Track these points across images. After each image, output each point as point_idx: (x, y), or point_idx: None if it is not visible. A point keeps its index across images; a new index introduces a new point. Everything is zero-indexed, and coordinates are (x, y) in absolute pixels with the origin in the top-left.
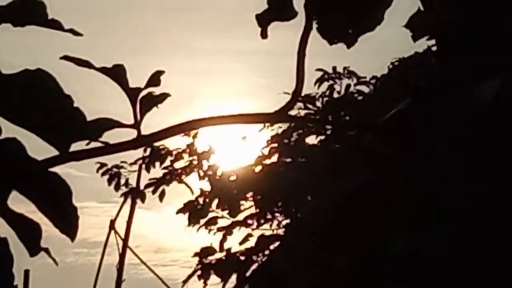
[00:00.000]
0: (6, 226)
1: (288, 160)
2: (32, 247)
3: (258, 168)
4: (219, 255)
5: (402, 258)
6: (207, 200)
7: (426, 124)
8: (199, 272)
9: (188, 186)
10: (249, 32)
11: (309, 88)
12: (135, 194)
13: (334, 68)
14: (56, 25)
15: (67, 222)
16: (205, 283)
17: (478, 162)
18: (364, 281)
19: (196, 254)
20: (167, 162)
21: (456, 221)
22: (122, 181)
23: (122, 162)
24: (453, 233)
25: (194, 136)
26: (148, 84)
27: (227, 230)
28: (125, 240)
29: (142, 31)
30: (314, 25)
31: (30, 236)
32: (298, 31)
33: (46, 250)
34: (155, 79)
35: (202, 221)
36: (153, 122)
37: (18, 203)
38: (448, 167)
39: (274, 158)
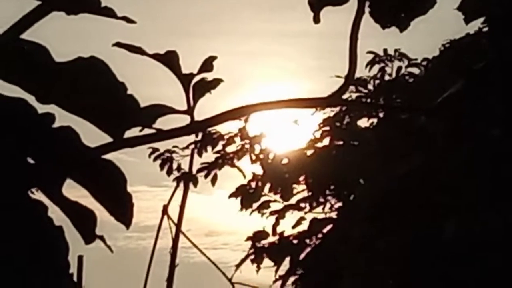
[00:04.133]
0: (61, 214)
1: (340, 143)
2: (88, 235)
3: (310, 152)
4: (272, 239)
5: (454, 241)
6: (259, 184)
7: (479, 107)
8: (252, 256)
9: (240, 170)
10: (300, 14)
11: (360, 70)
12: (188, 179)
13: (385, 51)
14: (109, 12)
15: (122, 209)
16: (258, 267)
17: None
18: (416, 263)
19: (249, 238)
20: (219, 146)
21: (509, 204)
22: (174, 165)
23: (174, 146)
24: (506, 216)
25: (246, 120)
26: (201, 70)
27: (280, 214)
28: (178, 225)
29: (193, 14)
30: (367, 9)
31: (85, 224)
32: (350, 13)
33: (102, 238)
34: (207, 64)
35: (255, 205)
36: (204, 104)
37: (70, 188)
38: (501, 150)
39: (326, 141)
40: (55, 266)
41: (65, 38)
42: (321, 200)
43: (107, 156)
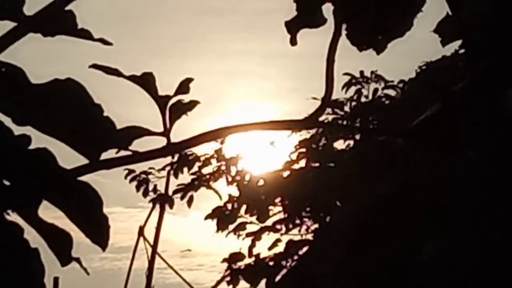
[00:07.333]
0: (37, 236)
1: (316, 165)
2: (63, 257)
3: (286, 173)
4: (248, 260)
5: (432, 262)
6: (235, 205)
7: (456, 129)
8: (228, 278)
9: (217, 192)
10: (278, 35)
11: (336, 92)
12: (164, 200)
13: (361, 72)
14: (85, 34)
15: (98, 231)
16: None
17: (507, 167)
18: (393, 286)
19: (225, 260)
20: (195, 168)
21: (488, 224)
22: (150, 187)
23: (150, 168)
24: (485, 236)
25: (222, 142)
26: (177, 92)
27: (256, 236)
28: (154, 247)
29: (171, 34)
30: (343, 31)
31: (61, 246)
32: (327, 34)
33: (77, 260)
34: (184, 86)
35: (231, 227)
36: (181, 124)
37: (45, 209)
38: (479, 172)
39: (302, 163)
40: None
41: (41, 60)
42: (297, 222)
43: (83, 178)
